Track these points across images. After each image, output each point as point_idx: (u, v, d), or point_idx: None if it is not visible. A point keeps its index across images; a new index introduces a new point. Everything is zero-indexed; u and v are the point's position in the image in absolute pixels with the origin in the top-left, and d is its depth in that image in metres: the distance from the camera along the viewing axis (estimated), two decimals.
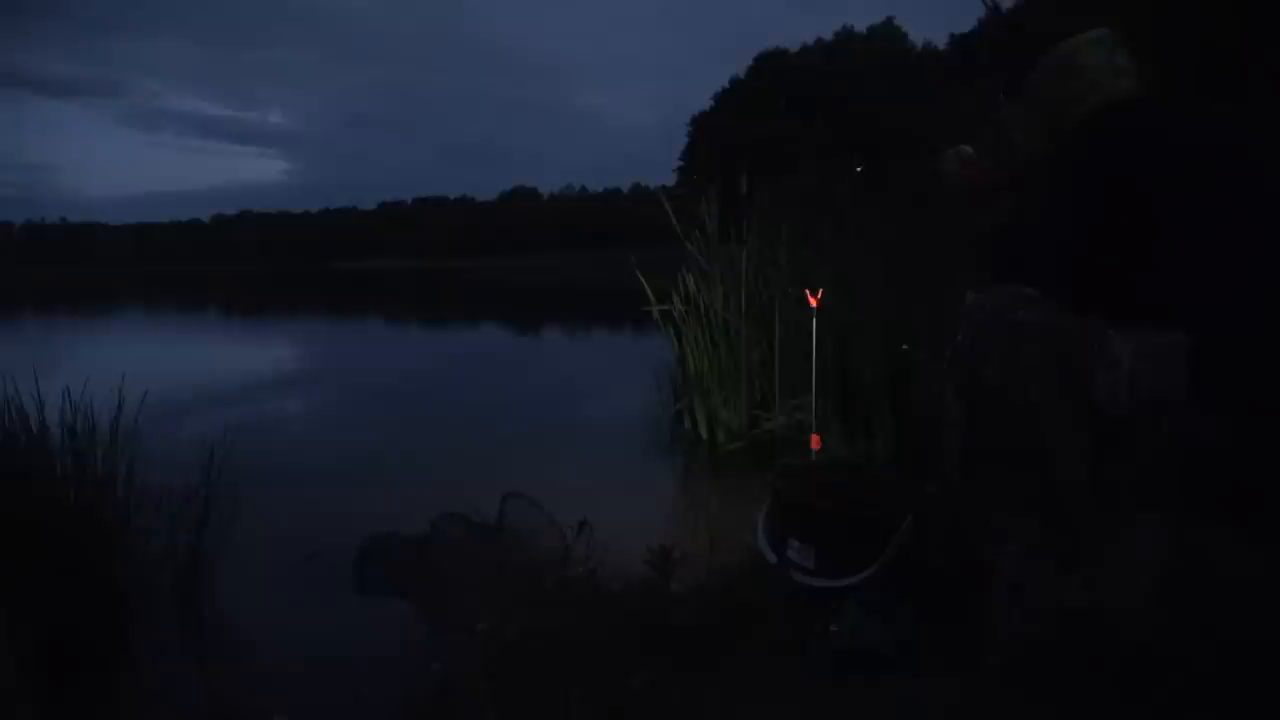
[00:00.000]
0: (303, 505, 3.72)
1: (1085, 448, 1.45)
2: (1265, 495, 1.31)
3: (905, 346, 3.60)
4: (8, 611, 2.38)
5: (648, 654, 1.96)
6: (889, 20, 44.54)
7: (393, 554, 2.84)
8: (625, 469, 4.53)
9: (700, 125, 44.38)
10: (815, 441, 3.40)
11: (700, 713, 1.75)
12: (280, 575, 2.94)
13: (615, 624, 2.17)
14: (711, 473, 4.54)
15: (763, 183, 5.43)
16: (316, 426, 6.25)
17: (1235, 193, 1.43)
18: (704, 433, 5.05)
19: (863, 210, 4.60)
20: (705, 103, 46.47)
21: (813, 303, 3.58)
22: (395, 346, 13.68)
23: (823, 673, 1.85)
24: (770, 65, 42.74)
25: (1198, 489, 1.38)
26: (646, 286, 5.55)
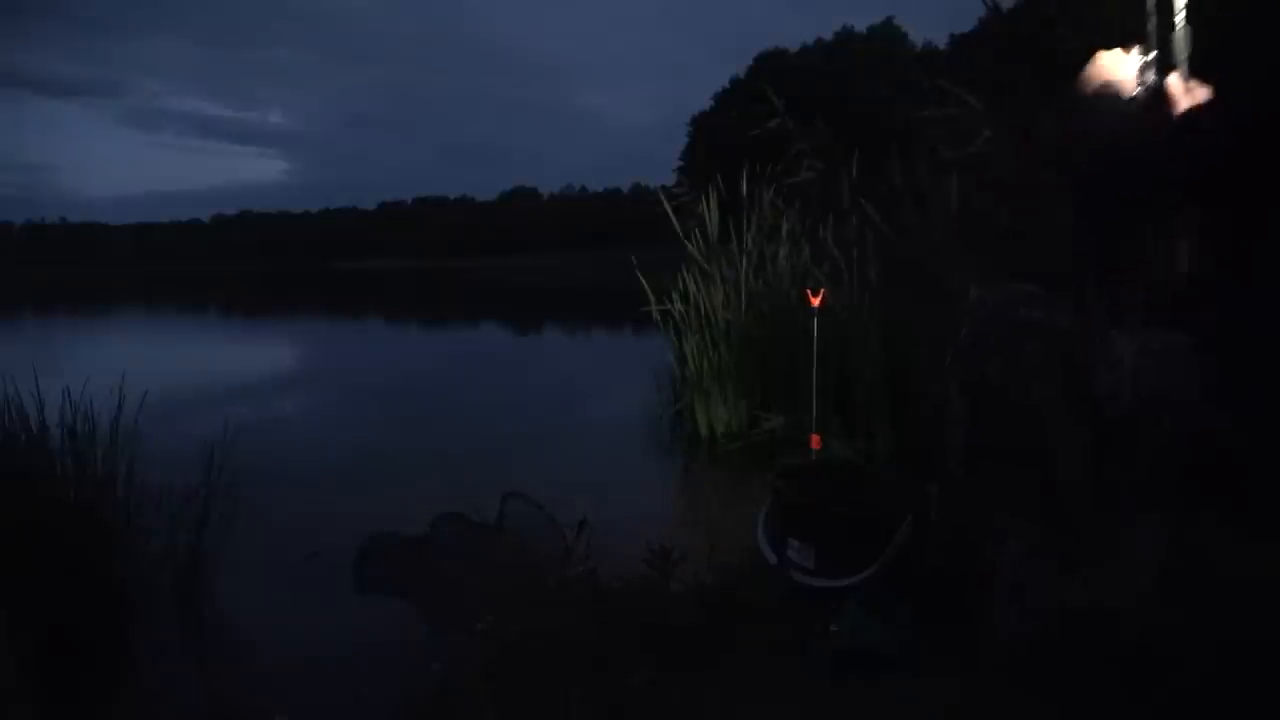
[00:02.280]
0: (303, 505, 3.71)
1: (1086, 446, 1.45)
2: (1273, 493, 1.31)
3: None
4: (8, 611, 2.37)
5: (648, 654, 1.96)
6: (889, 20, 44.58)
7: (393, 554, 2.84)
8: (625, 469, 4.53)
9: (700, 125, 44.38)
10: (815, 441, 3.39)
11: (700, 713, 1.75)
12: (280, 575, 2.94)
13: (615, 624, 2.17)
14: (711, 473, 4.54)
15: (763, 183, 5.42)
16: (316, 426, 6.24)
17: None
18: (704, 433, 5.05)
19: (863, 210, 4.60)
20: (705, 103, 46.51)
21: (813, 302, 3.58)
22: (395, 346, 13.67)
23: (823, 673, 1.85)
24: (770, 65, 42.75)
25: (1199, 488, 1.38)
26: (646, 286, 5.55)
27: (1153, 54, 1.51)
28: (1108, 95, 1.53)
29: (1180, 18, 1.47)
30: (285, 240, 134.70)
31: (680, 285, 5.41)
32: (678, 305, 5.37)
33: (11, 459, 2.70)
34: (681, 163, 44.64)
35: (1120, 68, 1.55)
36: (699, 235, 5.46)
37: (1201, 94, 1.47)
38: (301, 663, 2.32)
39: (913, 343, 3.75)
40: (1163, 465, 1.39)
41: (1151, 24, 1.50)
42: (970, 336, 1.59)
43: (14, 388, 2.82)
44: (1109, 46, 1.60)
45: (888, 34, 43.60)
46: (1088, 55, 1.59)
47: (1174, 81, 1.50)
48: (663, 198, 5.70)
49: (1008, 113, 3.53)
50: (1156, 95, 1.51)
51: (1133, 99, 1.52)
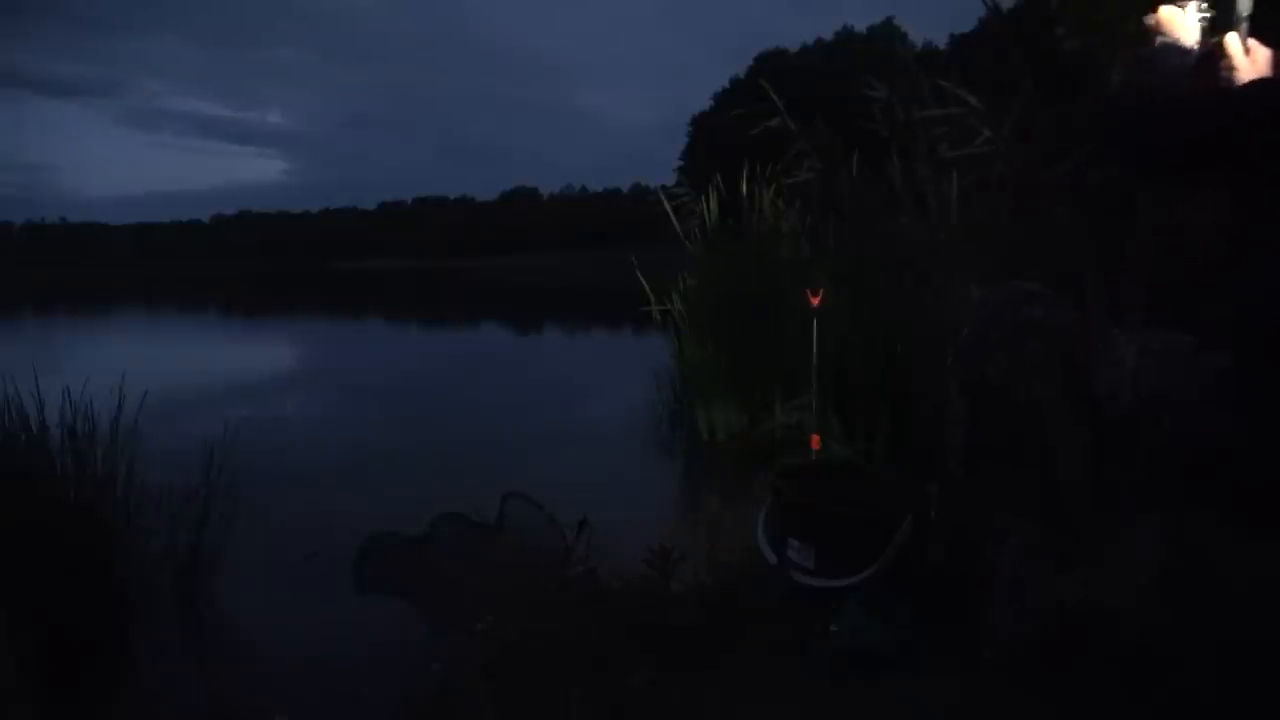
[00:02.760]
0: (302, 505, 3.71)
1: (1086, 446, 1.45)
2: (1274, 493, 1.30)
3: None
4: (8, 611, 2.38)
5: (648, 654, 1.96)
6: (889, 20, 44.63)
7: (393, 554, 2.84)
8: (625, 469, 4.53)
9: (700, 125, 44.42)
10: (815, 441, 3.39)
11: (700, 713, 1.75)
12: (280, 575, 2.94)
13: (615, 624, 2.17)
14: (711, 473, 4.54)
15: (763, 182, 5.42)
16: (316, 426, 6.24)
17: None
18: (704, 433, 5.05)
19: (863, 209, 4.60)
20: (705, 103, 46.56)
21: (813, 302, 3.57)
22: (395, 346, 13.68)
23: (823, 673, 1.85)
24: (770, 65, 42.76)
25: (1199, 488, 1.37)
26: (647, 286, 5.56)
27: (1210, 11, 1.39)
28: (1164, 51, 1.43)
29: None
30: (285, 240, 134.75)
31: (680, 285, 5.41)
32: (677, 305, 5.37)
33: (11, 459, 2.70)
34: (681, 163, 44.62)
35: (1179, 23, 1.42)
36: (699, 235, 5.46)
37: (1262, 56, 1.40)
38: (301, 663, 2.32)
39: (913, 343, 3.75)
40: (1163, 465, 1.39)
41: None
42: (971, 336, 1.59)
43: (14, 388, 2.82)
44: (1109, 46, 1.58)
45: (888, 34, 43.62)
46: (1087, 55, 1.57)
47: (1232, 40, 1.43)
48: (663, 198, 5.70)
49: (1008, 112, 3.53)
50: (1211, 54, 1.43)
51: (1188, 54, 1.38)
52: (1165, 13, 1.41)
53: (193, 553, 2.84)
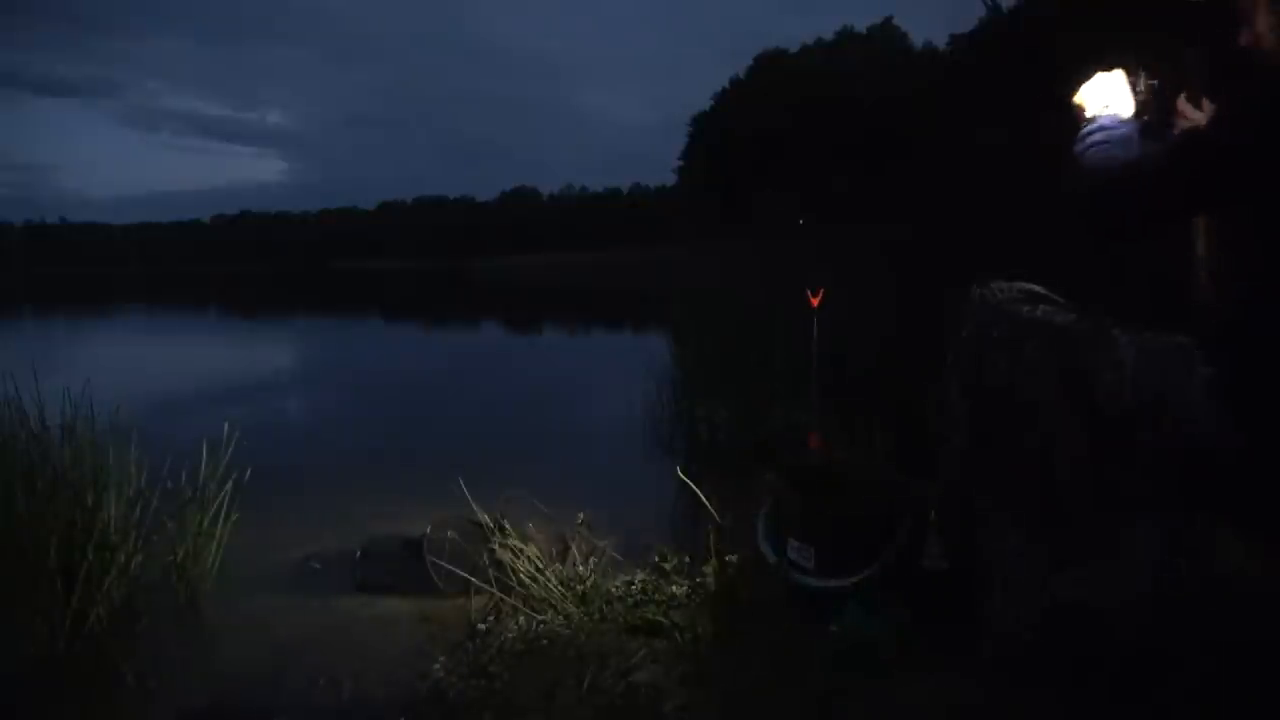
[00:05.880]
0: (303, 505, 3.71)
1: (1086, 446, 1.45)
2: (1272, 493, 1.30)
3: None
4: (8, 611, 2.37)
5: (647, 653, 1.96)
6: (889, 20, 44.55)
7: (393, 554, 2.84)
8: (626, 469, 4.53)
9: (700, 125, 44.38)
10: (815, 441, 3.39)
11: (701, 712, 1.75)
12: (280, 575, 2.94)
13: (615, 624, 2.18)
14: (711, 473, 4.53)
15: (762, 182, 5.43)
16: (316, 426, 6.24)
17: None
18: (704, 433, 5.05)
19: (863, 210, 4.60)
20: (705, 103, 46.41)
21: (813, 302, 3.57)
22: (395, 347, 13.68)
23: (822, 672, 1.85)
24: (770, 65, 42.71)
25: (1198, 488, 1.37)
26: (646, 287, 5.56)
27: (1153, 80, 1.45)
28: (1104, 120, 1.46)
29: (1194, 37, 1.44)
30: (285, 240, 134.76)
31: (680, 285, 5.42)
32: (678, 306, 5.37)
33: (11, 459, 2.69)
34: (681, 163, 44.62)
35: (1115, 90, 1.48)
36: (699, 235, 5.46)
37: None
38: (301, 663, 2.32)
39: (912, 343, 3.75)
40: (1162, 465, 1.39)
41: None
42: (971, 336, 1.59)
43: (14, 387, 2.82)
44: (1108, 46, 1.59)
45: (887, 34, 43.56)
46: (1086, 55, 1.57)
47: (1183, 103, 1.48)
48: (663, 199, 5.70)
49: (1007, 112, 3.53)
50: (1162, 118, 1.46)
51: (1133, 121, 1.45)
52: (1092, 88, 1.48)
53: (193, 553, 2.84)
